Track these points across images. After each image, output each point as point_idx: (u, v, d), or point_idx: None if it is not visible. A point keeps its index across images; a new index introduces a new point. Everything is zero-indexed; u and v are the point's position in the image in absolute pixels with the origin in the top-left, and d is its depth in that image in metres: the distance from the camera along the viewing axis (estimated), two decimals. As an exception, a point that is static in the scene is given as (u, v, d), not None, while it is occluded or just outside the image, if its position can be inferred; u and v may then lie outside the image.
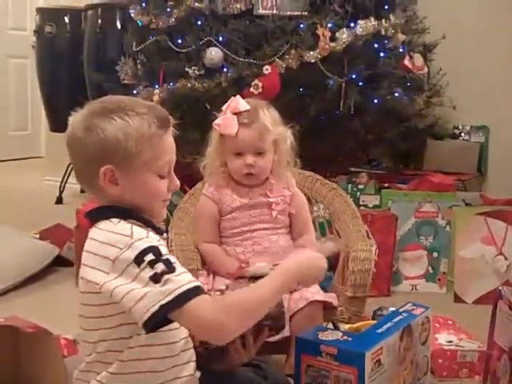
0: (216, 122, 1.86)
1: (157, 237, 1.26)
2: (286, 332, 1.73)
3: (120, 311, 1.23)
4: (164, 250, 1.23)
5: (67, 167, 4.36)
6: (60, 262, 2.91)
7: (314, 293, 1.82)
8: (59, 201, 4.34)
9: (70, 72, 4.23)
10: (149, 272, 1.19)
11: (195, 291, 1.20)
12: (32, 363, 1.84)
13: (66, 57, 4.26)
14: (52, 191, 4.41)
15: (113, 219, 1.28)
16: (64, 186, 4.37)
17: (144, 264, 1.19)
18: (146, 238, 1.23)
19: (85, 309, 1.28)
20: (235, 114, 1.84)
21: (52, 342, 1.79)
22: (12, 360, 1.84)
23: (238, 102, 1.85)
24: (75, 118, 1.30)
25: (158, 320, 1.19)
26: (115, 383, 1.26)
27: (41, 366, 1.82)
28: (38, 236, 3.08)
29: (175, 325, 1.26)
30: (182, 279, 1.20)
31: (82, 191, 4.53)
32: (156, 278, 1.18)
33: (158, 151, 1.30)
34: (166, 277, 1.18)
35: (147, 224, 1.30)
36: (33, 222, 3.35)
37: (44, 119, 4.95)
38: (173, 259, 1.22)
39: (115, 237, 1.23)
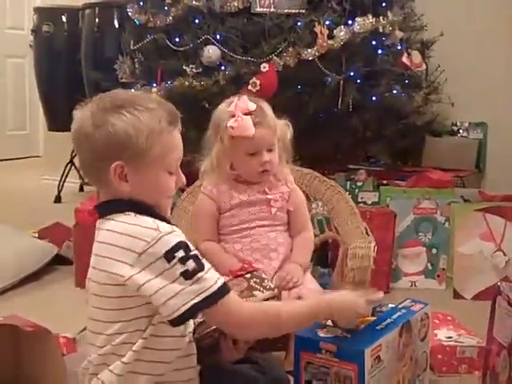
0: (230, 124, 1.83)
1: (179, 230, 1.27)
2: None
3: (139, 304, 1.24)
4: (191, 245, 1.24)
5: (65, 166, 4.37)
6: (59, 260, 2.91)
7: (313, 289, 1.82)
8: (58, 200, 4.34)
9: (67, 71, 4.22)
10: (180, 268, 1.20)
11: (225, 289, 1.25)
12: (32, 362, 1.84)
13: (63, 56, 4.26)
14: (50, 190, 4.41)
15: (128, 212, 1.27)
16: (62, 185, 4.37)
17: (175, 260, 1.20)
18: (173, 232, 1.24)
19: (102, 301, 1.28)
20: (246, 114, 1.84)
21: (51, 340, 1.79)
22: (12, 359, 1.84)
23: (247, 102, 1.84)
24: (82, 113, 1.29)
25: (188, 317, 1.22)
26: (126, 373, 1.27)
27: (40, 364, 1.82)
28: (36, 235, 3.09)
29: None
30: (212, 277, 1.23)
31: (81, 190, 4.59)
32: (187, 275, 1.20)
33: (168, 147, 1.30)
34: (198, 275, 1.21)
35: (162, 219, 1.29)
36: (31, 221, 3.35)
37: (42, 118, 4.95)
38: (199, 255, 1.24)
39: (140, 230, 1.23)
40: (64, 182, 4.38)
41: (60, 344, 1.82)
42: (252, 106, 1.84)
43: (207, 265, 1.24)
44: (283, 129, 1.90)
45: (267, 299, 1.42)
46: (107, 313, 1.28)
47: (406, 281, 2.77)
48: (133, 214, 1.27)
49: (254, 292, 1.43)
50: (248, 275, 1.49)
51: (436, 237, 2.78)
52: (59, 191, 4.36)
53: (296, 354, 1.54)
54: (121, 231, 1.25)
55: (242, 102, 1.84)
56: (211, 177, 1.94)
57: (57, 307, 2.41)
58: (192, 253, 1.22)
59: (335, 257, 2.37)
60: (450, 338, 2.01)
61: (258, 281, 1.45)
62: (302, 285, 1.82)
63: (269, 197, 1.91)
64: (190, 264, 1.21)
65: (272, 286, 1.47)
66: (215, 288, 1.22)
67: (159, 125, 1.27)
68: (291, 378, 1.56)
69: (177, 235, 1.23)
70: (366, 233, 2.06)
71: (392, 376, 1.59)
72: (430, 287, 2.75)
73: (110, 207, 1.31)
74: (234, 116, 1.83)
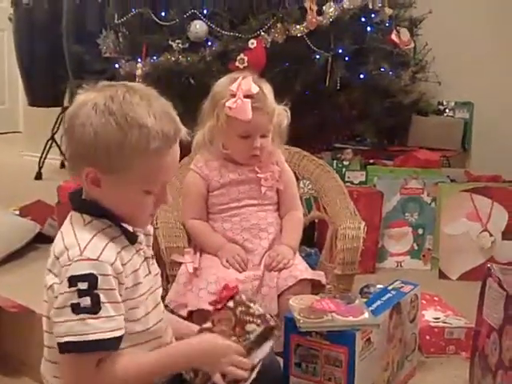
0: (228, 104, 1.80)
1: (111, 256, 1.18)
2: (273, 310, 1.72)
3: None
4: (104, 282, 1.16)
5: (46, 142, 4.30)
6: (41, 239, 2.85)
7: (303, 271, 1.81)
8: (38, 176, 4.27)
9: (48, 45, 4.10)
10: (73, 299, 1.14)
11: (105, 346, 1.16)
12: (15, 342, 1.81)
13: (44, 29, 4.13)
14: (31, 167, 4.33)
15: (85, 216, 1.23)
16: (43, 162, 4.30)
17: (74, 289, 1.14)
18: (94, 260, 1.16)
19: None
20: (247, 96, 1.80)
21: (36, 320, 1.76)
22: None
23: (251, 85, 1.80)
24: (81, 101, 1.20)
25: (64, 351, 1.16)
26: None
27: (24, 344, 1.80)
28: (17, 212, 3.03)
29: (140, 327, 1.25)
30: (98, 326, 1.15)
31: (62, 166, 4.51)
32: (76, 309, 1.14)
33: (152, 169, 1.20)
34: (84, 316, 1.14)
35: (121, 228, 1.24)
36: (12, 198, 3.29)
37: (22, 93, 4.85)
38: (103, 298, 1.15)
39: (71, 242, 1.18)
40: (45, 158, 4.30)
41: (44, 324, 1.79)
42: (255, 89, 1.80)
43: (104, 312, 1.15)
44: (281, 114, 1.87)
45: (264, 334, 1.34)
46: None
47: (391, 261, 2.76)
48: (89, 218, 1.22)
49: (247, 327, 1.33)
50: (231, 304, 1.37)
51: (422, 217, 2.77)
52: (40, 168, 4.29)
53: (286, 336, 1.52)
54: (64, 236, 1.21)
55: (245, 84, 1.80)
56: (203, 152, 1.91)
57: (40, 286, 2.36)
58: (96, 291, 1.14)
59: (322, 236, 2.36)
60: (437, 318, 2.00)
61: (243, 309, 1.36)
62: (292, 266, 1.80)
63: (259, 175, 1.89)
64: (85, 301, 1.14)
65: (260, 310, 1.37)
66: (92, 338, 1.14)
67: (146, 145, 1.16)
68: (280, 360, 1.54)
69: (93, 265, 1.15)
70: (354, 213, 2.05)
71: (382, 358, 1.59)
72: (415, 267, 2.73)
73: (75, 201, 1.26)
74: (234, 96, 1.79)
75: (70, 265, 1.16)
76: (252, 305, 1.36)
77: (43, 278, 1.23)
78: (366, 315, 1.49)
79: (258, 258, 1.85)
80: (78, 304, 1.14)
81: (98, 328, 1.15)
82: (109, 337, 1.16)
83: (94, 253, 1.17)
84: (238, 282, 1.71)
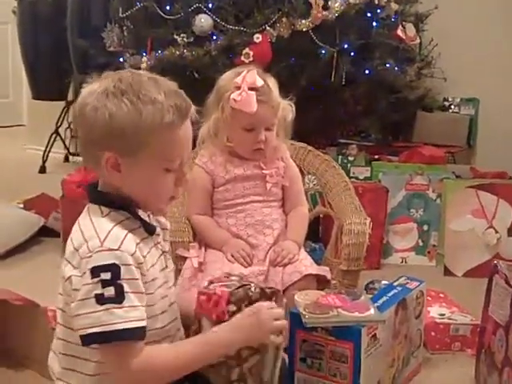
0: (233, 96, 1.79)
1: (132, 246, 1.18)
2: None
3: None
4: (127, 271, 1.15)
5: (50, 136, 4.30)
6: (45, 232, 2.86)
7: (308, 266, 1.81)
8: (42, 170, 4.27)
9: (52, 38, 4.10)
10: (97, 289, 1.14)
11: (132, 334, 1.15)
12: (20, 335, 1.81)
13: (48, 22, 4.13)
14: (35, 160, 4.34)
15: (103, 208, 1.22)
16: (47, 156, 4.30)
17: (97, 279, 1.14)
18: (115, 250, 1.15)
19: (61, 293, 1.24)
20: (251, 89, 1.79)
21: (40, 313, 1.76)
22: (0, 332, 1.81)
23: (255, 77, 1.80)
24: (88, 89, 1.21)
25: (88, 343, 1.15)
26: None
27: (29, 337, 1.79)
28: (22, 206, 3.03)
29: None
30: (124, 316, 1.14)
31: (66, 160, 4.52)
32: (100, 300, 1.13)
33: (167, 145, 1.20)
34: (109, 305, 1.13)
35: (140, 220, 1.24)
36: (16, 192, 3.29)
37: (26, 86, 4.84)
38: (127, 288, 1.15)
39: (91, 234, 1.18)
40: (49, 152, 4.31)
41: (48, 317, 1.79)
42: (259, 82, 1.80)
43: (128, 302, 1.14)
44: (286, 109, 1.87)
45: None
46: (61, 312, 1.25)
47: (396, 257, 2.75)
48: (107, 210, 1.22)
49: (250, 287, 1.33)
50: (233, 308, 1.31)
51: (427, 213, 2.76)
52: (44, 161, 4.29)
53: (291, 332, 1.51)
54: (82, 228, 1.21)
55: (250, 76, 1.80)
56: (208, 146, 1.91)
57: (43, 280, 2.36)
58: (119, 281, 1.14)
59: (326, 232, 2.36)
60: (442, 315, 1.99)
61: (247, 303, 1.31)
62: (298, 261, 1.80)
63: (264, 172, 1.89)
64: (109, 290, 1.13)
65: (258, 288, 1.34)
66: (118, 327, 1.13)
67: (160, 121, 1.17)
68: (285, 355, 1.53)
69: (115, 255, 1.15)
70: (360, 208, 2.04)
71: (387, 354, 1.59)
72: (420, 264, 2.73)
73: (92, 194, 1.26)
74: (239, 88, 1.79)
75: (90, 256, 1.15)
76: (250, 293, 1.33)
77: (49, 270, 1.22)
78: (372, 311, 1.49)
79: (262, 253, 1.84)
80: (102, 294, 1.13)
81: (123, 317, 1.14)
82: (134, 326, 1.15)
83: (115, 243, 1.16)
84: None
